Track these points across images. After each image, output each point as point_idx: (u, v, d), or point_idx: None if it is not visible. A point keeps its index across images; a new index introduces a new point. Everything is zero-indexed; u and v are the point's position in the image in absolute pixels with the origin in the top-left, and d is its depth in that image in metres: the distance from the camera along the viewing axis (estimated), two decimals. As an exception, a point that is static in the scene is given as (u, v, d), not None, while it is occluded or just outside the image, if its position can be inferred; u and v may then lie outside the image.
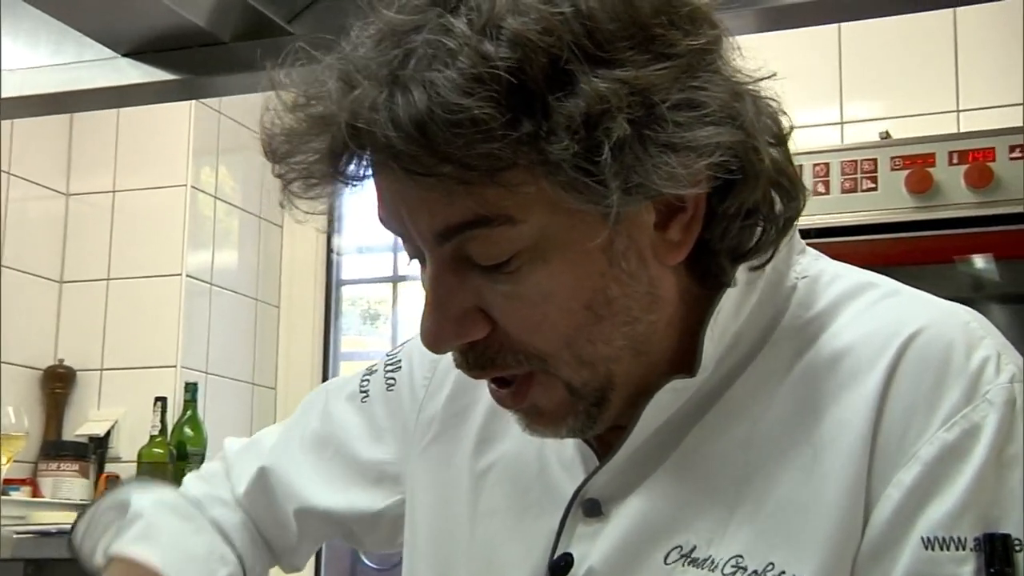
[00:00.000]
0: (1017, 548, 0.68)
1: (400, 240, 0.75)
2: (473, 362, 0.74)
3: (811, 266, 0.81)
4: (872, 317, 0.77)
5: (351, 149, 0.68)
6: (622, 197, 0.66)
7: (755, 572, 0.72)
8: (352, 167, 0.70)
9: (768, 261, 0.77)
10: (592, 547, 0.79)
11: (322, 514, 0.99)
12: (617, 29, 0.67)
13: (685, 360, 0.77)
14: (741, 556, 0.73)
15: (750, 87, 0.72)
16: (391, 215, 0.72)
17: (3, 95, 1.45)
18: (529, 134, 0.65)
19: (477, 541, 0.86)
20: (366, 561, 3.20)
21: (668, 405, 0.77)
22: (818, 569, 0.71)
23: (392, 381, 0.99)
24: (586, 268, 0.71)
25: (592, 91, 0.65)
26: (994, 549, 0.68)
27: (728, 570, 0.73)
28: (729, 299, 0.76)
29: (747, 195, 0.72)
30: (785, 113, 0.76)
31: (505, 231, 0.68)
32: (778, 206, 0.75)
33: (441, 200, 0.67)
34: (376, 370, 1.01)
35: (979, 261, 2.15)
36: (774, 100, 0.74)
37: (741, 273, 0.76)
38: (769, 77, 0.74)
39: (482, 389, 0.90)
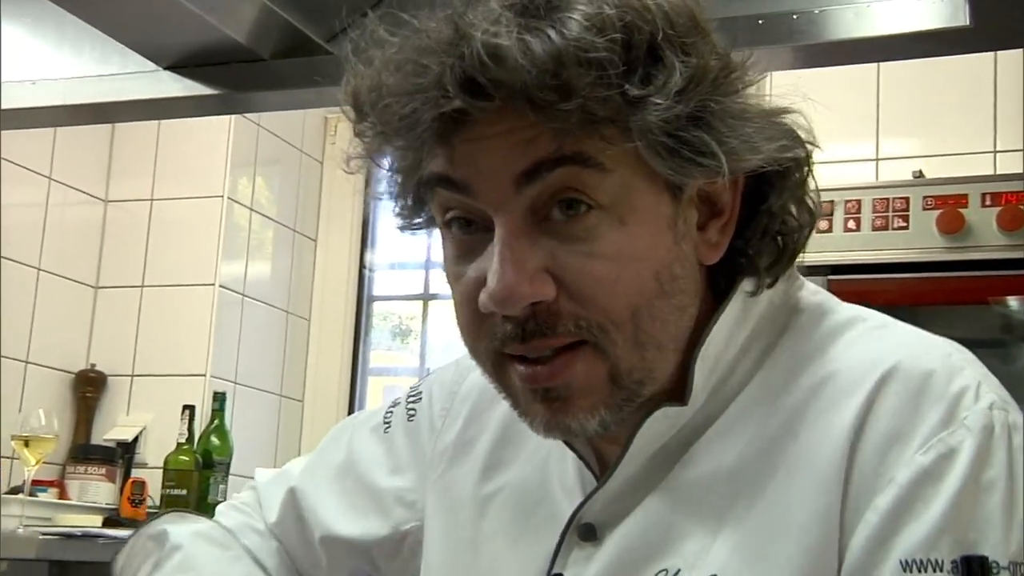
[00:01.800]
0: (994, 571, 0.68)
1: (447, 213, 0.75)
2: (532, 329, 0.74)
3: (806, 299, 0.83)
4: (857, 349, 0.78)
5: (486, 74, 0.68)
6: (707, 166, 0.72)
7: None
8: (472, 99, 0.70)
9: (775, 282, 0.80)
10: (585, 570, 0.80)
11: (344, 542, 1.00)
12: (687, 25, 0.73)
13: (680, 388, 0.78)
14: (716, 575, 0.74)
15: (778, 108, 0.78)
16: (465, 169, 0.73)
17: (49, 103, 1.48)
18: (634, 95, 0.70)
19: (480, 564, 0.88)
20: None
21: (661, 432, 0.78)
22: None
23: (413, 412, 1.01)
24: (658, 239, 0.74)
25: (689, 65, 0.71)
26: (971, 571, 0.68)
27: None
28: (720, 331, 0.78)
29: (790, 193, 0.78)
30: (812, 140, 0.80)
31: (593, 176, 0.71)
32: (803, 221, 0.80)
33: (542, 138, 0.70)
34: (399, 402, 1.03)
35: (1013, 303, 2.13)
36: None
37: (737, 302, 0.79)
38: (792, 112, 0.78)
39: (491, 418, 0.91)
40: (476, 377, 0.90)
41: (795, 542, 0.72)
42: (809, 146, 0.79)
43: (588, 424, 0.76)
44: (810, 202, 0.80)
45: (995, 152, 2.53)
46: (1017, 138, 2.50)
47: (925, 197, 2.14)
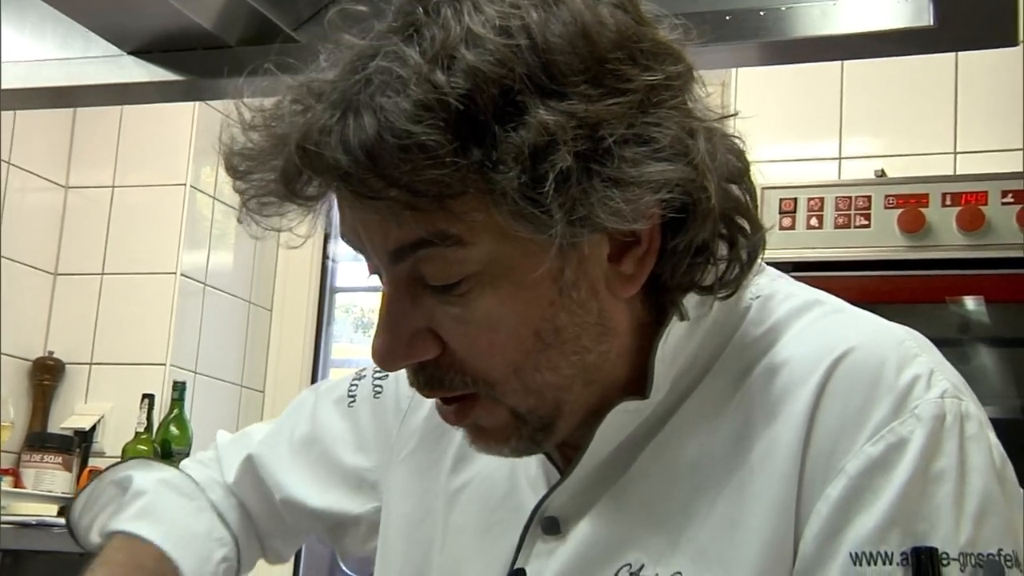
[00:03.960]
0: (944, 562, 0.68)
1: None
2: (424, 381, 0.75)
3: (766, 286, 0.82)
4: (811, 335, 0.78)
5: (300, 171, 0.69)
6: (567, 228, 0.67)
7: None
8: (309, 188, 0.71)
9: (732, 294, 0.77)
10: (547, 564, 0.80)
11: (304, 509, 1.01)
12: (573, 62, 0.67)
13: (638, 382, 0.77)
14: (680, 573, 0.74)
15: (711, 124, 0.73)
16: (349, 232, 0.74)
17: (7, 86, 1.46)
18: (477, 162, 0.66)
19: (445, 558, 0.88)
20: (345, 570, 3.20)
21: (621, 426, 0.78)
22: None
23: (379, 388, 1.00)
24: (535, 296, 0.71)
25: (539, 123, 0.65)
26: (920, 563, 0.68)
27: None
28: (679, 325, 0.77)
29: (696, 232, 0.72)
30: (745, 148, 0.76)
31: (455, 252, 0.69)
32: (741, 243, 0.76)
33: (391, 222, 0.69)
34: (365, 375, 1.03)
35: (969, 303, 2.16)
36: (737, 137, 0.75)
37: (692, 298, 0.76)
38: (731, 116, 0.75)
39: None
40: None
41: (756, 536, 0.72)
42: (745, 157, 0.76)
43: (503, 451, 0.78)
44: (736, 225, 0.75)
45: (955, 153, 2.56)
46: (977, 140, 2.53)
47: (887, 196, 2.17)
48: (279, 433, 1.05)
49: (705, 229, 0.73)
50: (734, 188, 0.75)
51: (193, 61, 1.35)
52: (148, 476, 1.00)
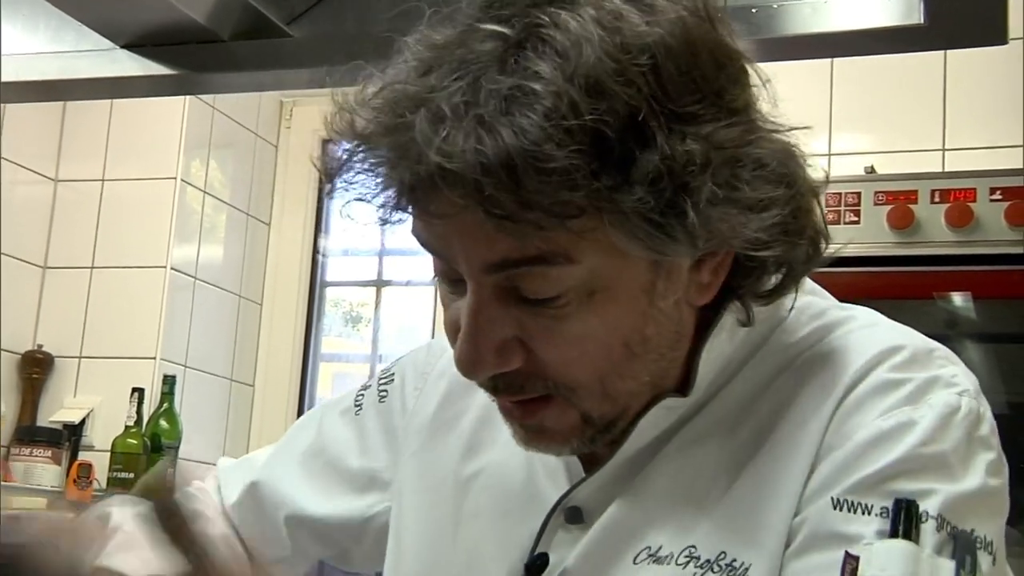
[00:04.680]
0: (923, 520, 0.69)
1: (434, 261, 0.74)
2: (504, 387, 0.75)
3: (801, 297, 0.83)
4: (847, 342, 0.80)
5: (438, 188, 0.66)
6: (688, 249, 0.68)
7: (707, 561, 0.74)
8: (429, 205, 0.69)
9: (775, 301, 0.79)
10: (570, 552, 0.81)
11: (311, 522, 1.00)
12: (686, 83, 0.68)
13: (680, 381, 0.79)
14: (694, 547, 0.75)
15: (794, 141, 0.74)
16: (440, 241, 0.72)
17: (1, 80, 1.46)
18: (607, 186, 0.65)
19: (460, 543, 0.88)
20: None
21: (658, 423, 0.80)
22: (767, 558, 0.73)
23: (384, 393, 1.01)
24: (629, 308, 0.72)
25: (672, 147, 0.66)
26: (899, 512, 0.69)
27: (681, 560, 0.75)
28: (724, 327, 0.78)
29: (788, 249, 0.74)
30: (817, 168, 0.77)
31: (561, 270, 0.69)
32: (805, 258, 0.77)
33: (509, 238, 0.67)
34: (370, 385, 1.04)
35: (957, 299, 2.17)
36: (808, 153, 0.76)
37: (729, 318, 0.78)
38: (805, 128, 0.75)
39: (472, 398, 0.92)
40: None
41: (777, 513, 0.74)
42: (818, 173, 0.77)
43: (562, 451, 0.79)
44: (813, 243, 0.77)
45: (943, 150, 2.58)
46: (965, 137, 2.55)
47: (876, 192, 2.17)
48: (284, 451, 1.05)
49: (796, 248, 0.74)
50: (816, 205, 0.76)
51: (186, 55, 1.35)
52: (125, 512, 0.98)
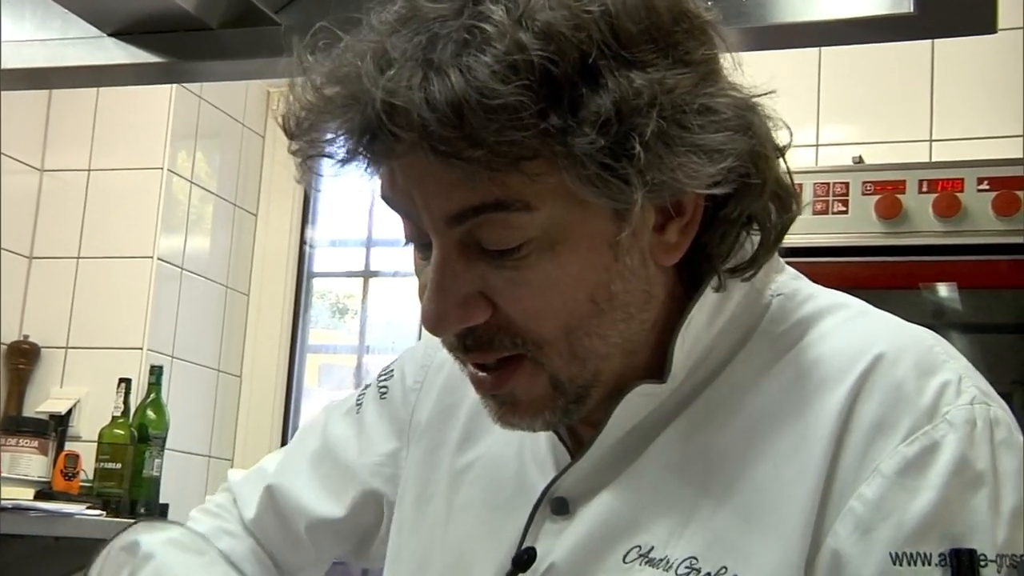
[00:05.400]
0: (983, 564, 0.70)
1: (403, 225, 0.75)
2: (471, 344, 0.75)
3: (787, 284, 0.83)
4: (841, 335, 0.79)
5: (384, 127, 0.67)
6: (643, 194, 0.68)
7: (708, 574, 0.73)
8: (387, 146, 0.69)
9: (757, 271, 0.79)
10: (556, 544, 0.80)
11: (329, 525, 1.00)
12: (640, 32, 0.69)
13: (657, 366, 0.79)
14: (695, 558, 0.74)
15: (757, 99, 0.75)
16: (401, 195, 0.73)
17: (-15, 67, 1.45)
18: (557, 127, 0.66)
19: (451, 535, 0.88)
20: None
21: (637, 409, 0.79)
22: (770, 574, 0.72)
23: (385, 389, 1.01)
24: (593, 260, 0.72)
25: (622, 88, 0.67)
26: (960, 564, 0.69)
27: (682, 571, 0.74)
28: (702, 310, 0.78)
29: (751, 201, 0.75)
30: (783, 127, 0.78)
31: (519, 217, 0.70)
32: (774, 216, 0.78)
33: (462, 183, 0.68)
34: (371, 384, 1.04)
35: (943, 289, 2.18)
36: (774, 113, 0.77)
37: (709, 294, 0.78)
38: (769, 93, 0.76)
39: (468, 388, 0.92)
40: None
41: (776, 529, 0.73)
42: (783, 133, 0.77)
43: (534, 424, 0.78)
44: (779, 198, 0.77)
45: (931, 141, 2.58)
46: (953, 127, 2.55)
47: (864, 182, 2.18)
48: (293, 456, 1.05)
49: (762, 199, 0.75)
50: (780, 162, 0.77)
51: (174, 43, 1.34)
52: (155, 538, 0.98)
